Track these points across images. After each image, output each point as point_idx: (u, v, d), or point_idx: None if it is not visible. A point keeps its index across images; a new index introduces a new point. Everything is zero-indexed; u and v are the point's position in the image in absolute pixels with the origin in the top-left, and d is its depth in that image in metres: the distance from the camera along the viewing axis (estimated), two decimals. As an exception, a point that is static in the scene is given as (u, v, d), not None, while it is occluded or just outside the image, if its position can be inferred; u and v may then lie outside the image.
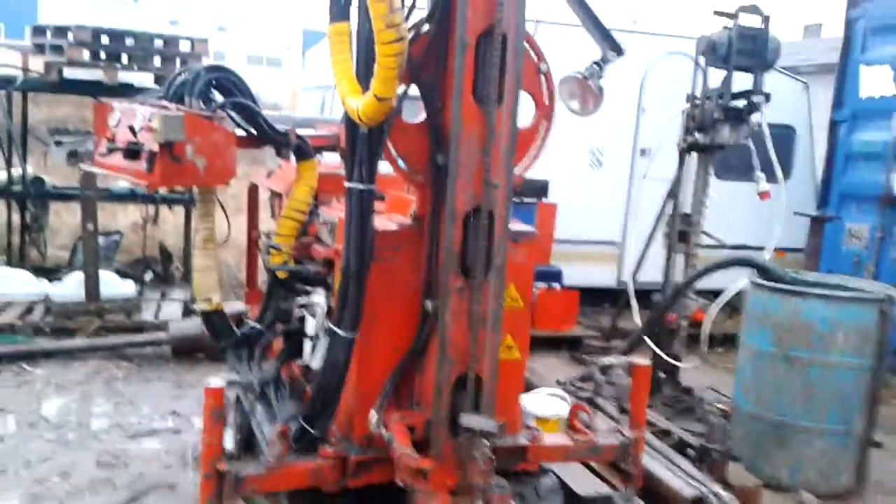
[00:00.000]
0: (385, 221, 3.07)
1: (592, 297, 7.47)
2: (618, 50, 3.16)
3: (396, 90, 2.64)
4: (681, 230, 5.17)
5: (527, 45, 2.95)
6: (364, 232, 2.82)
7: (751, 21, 4.89)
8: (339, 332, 2.87)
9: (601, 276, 7.50)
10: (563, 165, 7.13)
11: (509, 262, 2.82)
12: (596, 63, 3.24)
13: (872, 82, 6.45)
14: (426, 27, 2.81)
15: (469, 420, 2.67)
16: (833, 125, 7.01)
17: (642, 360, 3.33)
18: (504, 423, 2.68)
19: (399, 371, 2.98)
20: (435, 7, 2.78)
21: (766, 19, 4.80)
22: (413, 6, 2.80)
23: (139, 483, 3.89)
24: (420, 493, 2.75)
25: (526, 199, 6.41)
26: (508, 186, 2.79)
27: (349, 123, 2.80)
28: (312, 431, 3.01)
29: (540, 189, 6.44)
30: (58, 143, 7.47)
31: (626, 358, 3.34)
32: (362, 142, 2.78)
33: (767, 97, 5.15)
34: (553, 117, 3.14)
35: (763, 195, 5.07)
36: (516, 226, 3.18)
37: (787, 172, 8.18)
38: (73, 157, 8.38)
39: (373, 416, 2.91)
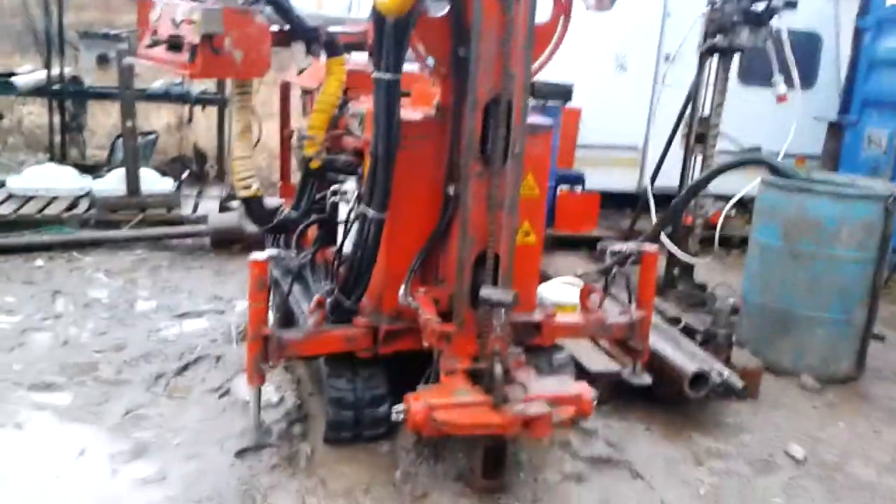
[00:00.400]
0: (411, 112, 3.28)
1: (615, 202, 7.65)
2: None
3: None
4: (699, 133, 5.30)
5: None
6: (391, 118, 3.04)
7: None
8: (370, 212, 3.13)
9: (623, 180, 7.65)
10: (588, 69, 7.20)
11: (527, 153, 3.03)
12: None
13: (901, -12, 6.41)
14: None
15: (487, 292, 2.94)
16: (858, 32, 6.97)
17: (650, 247, 3.57)
18: (517, 293, 2.93)
19: (425, 250, 3.26)
20: None
21: (788, -78, 4.81)
22: None
23: (188, 354, 4.26)
24: (444, 357, 3.05)
25: (550, 103, 6.52)
26: (527, 78, 2.98)
27: (376, 16, 2.99)
28: (347, 303, 3.32)
29: (564, 93, 6.54)
30: (101, 61, 7.65)
31: (636, 245, 3.56)
32: (389, 34, 2.98)
33: (794, 4, 5.17)
34: (571, 13, 3.29)
35: (780, 98, 5.17)
36: (535, 118, 3.39)
37: (812, 79, 8.20)
38: (104, 60, 8.59)
39: (402, 289, 3.21)
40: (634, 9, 7.27)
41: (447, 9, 3.10)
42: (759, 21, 4.99)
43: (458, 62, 3.09)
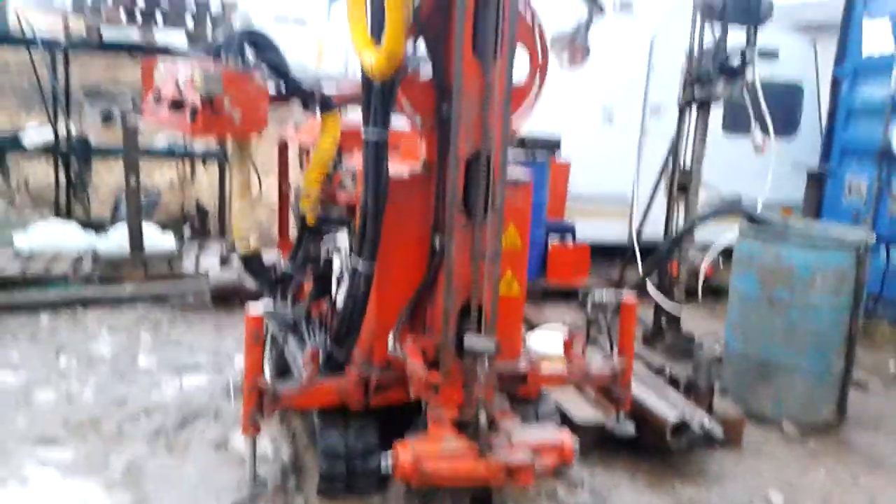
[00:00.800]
0: (399, 168, 3.46)
1: (606, 252, 7.80)
2: (600, 9, 3.47)
3: (405, 45, 3.00)
4: (681, 183, 5.49)
5: (524, 7, 3.31)
6: (379, 174, 3.21)
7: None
8: (360, 265, 3.29)
9: (613, 231, 7.81)
10: (576, 122, 7.44)
11: (508, 206, 3.19)
12: (582, 22, 3.55)
13: (874, 38, 6.63)
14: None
15: (471, 341, 3.07)
16: (835, 81, 7.22)
17: (629, 297, 3.71)
18: (500, 342, 3.06)
19: (413, 301, 3.40)
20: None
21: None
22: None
23: (187, 409, 4.36)
24: (432, 407, 3.17)
25: (539, 156, 6.73)
26: (505, 135, 3.16)
27: (365, 79, 3.19)
28: (338, 354, 3.45)
29: (552, 145, 6.76)
30: (106, 118, 7.90)
31: (615, 295, 3.70)
32: (376, 94, 3.17)
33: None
34: (547, 72, 3.48)
35: (759, 149, 5.36)
36: (516, 172, 3.56)
37: (794, 128, 8.46)
38: (108, 118, 8.86)
39: (390, 340, 3.34)
40: (621, 62, 7.56)
41: (430, 70, 3.30)
42: (733, 73, 5.20)
43: (441, 120, 3.27)
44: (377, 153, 3.20)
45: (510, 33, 3.06)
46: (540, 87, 3.50)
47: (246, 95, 3.57)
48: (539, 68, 3.46)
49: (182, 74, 3.72)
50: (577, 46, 3.64)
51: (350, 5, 3.14)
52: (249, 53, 3.78)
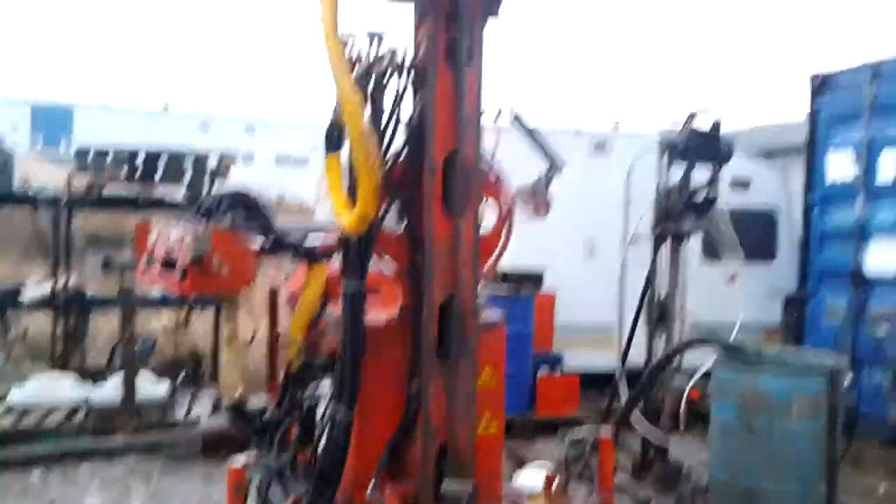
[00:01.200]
0: (377, 315, 3.61)
1: (595, 381, 7.85)
2: (559, 165, 3.74)
3: (377, 207, 3.23)
4: (659, 313, 5.64)
5: (488, 164, 3.58)
6: (356, 324, 3.36)
7: (707, 120, 5.51)
8: (339, 412, 3.38)
9: (601, 360, 7.87)
10: (560, 255, 7.70)
11: (483, 347, 3.34)
12: (543, 176, 3.81)
13: (837, 168, 6.99)
14: (404, 152, 3.44)
15: (448, 486, 3.13)
16: (807, 207, 7.52)
17: (605, 434, 3.78)
18: (477, 484, 3.11)
19: (391, 445, 3.46)
20: (409, 138, 3.41)
21: (716, 124, 5.42)
22: (392, 138, 3.44)
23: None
24: (413, 554, 3.18)
25: (523, 290, 6.93)
26: (476, 281, 3.34)
27: (343, 235, 3.40)
28: (320, 502, 3.48)
29: (536, 279, 6.96)
30: (106, 265, 8.16)
31: (593, 431, 3.78)
32: (353, 247, 3.37)
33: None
34: (513, 221, 3.71)
35: (731, 278, 5.55)
36: (488, 315, 3.72)
37: (772, 253, 8.70)
38: (108, 265, 9.12)
39: (370, 486, 3.38)
40: (599, 197, 7.90)
41: (404, 224, 3.52)
42: (701, 208, 5.46)
43: (415, 269, 3.46)
44: (354, 304, 3.37)
45: (476, 190, 3.31)
46: (507, 235, 3.73)
47: (234, 254, 3.78)
48: (505, 219, 3.69)
49: (174, 235, 3.95)
50: (539, 199, 3.88)
51: (328, 170, 3.40)
52: (238, 214, 4.02)
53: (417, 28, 3.39)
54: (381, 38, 3.38)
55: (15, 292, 8.35)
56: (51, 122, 22.28)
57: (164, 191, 8.17)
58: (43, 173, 9.22)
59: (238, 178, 9.30)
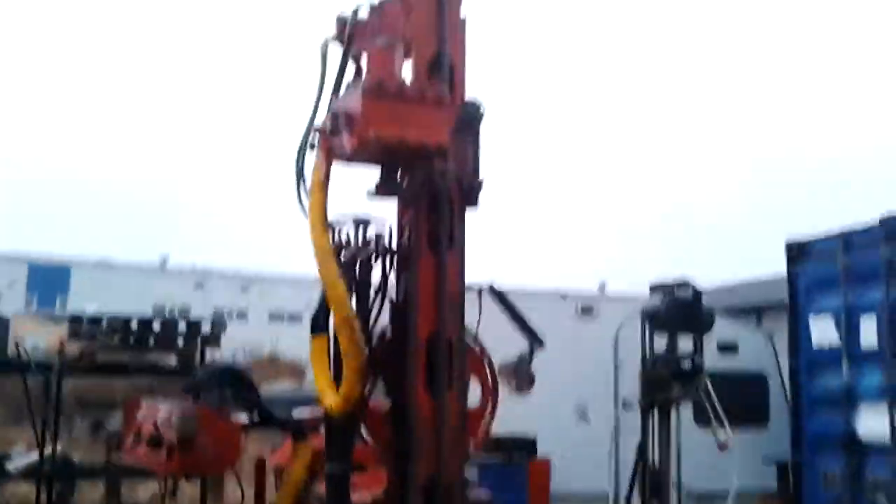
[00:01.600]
0: (362, 496, 3.58)
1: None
2: (539, 343, 3.85)
3: (361, 389, 3.30)
4: (653, 483, 5.57)
5: (473, 341, 3.68)
6: (339, 505, 3.34)
7: (686, 291, 5.66)
8: None
9: (600, 531, 7.70)
10: (551, 420, 7.64)
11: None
12: (525, 353, 3.91)
13: (821, 333, 7.09)
14: (388, 330, 3.54)
15: None
16: (793, 372, 7.55)
17: None
18: None
19: None
20: (393, 317, 3.53)
21: (697, 294, 5.58)
22: (378, 316, 3.56)
23: None
24: None
25: (515, 458, 6.81)
26: (463, 461, 3.36)
27: (327, 416, 3.44)
28: None
29: (528, 445, 6.87)
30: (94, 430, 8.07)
31: None
32: (337, 432, 3.40)
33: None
34: (498, 396, 3.76)
35: (721, 446, 5.52)
36: (477, 494, 3.70)
37: (764, 418, 8.65)
38: (97, 429, 9.00)
39: None
40: (589, 361, 7.96)
41: (390, 403, 3.57)
42: (688, 377, 5.51)
43: (401, 448, 3.47)
44: (337, 486, 3.37)
45: (460, 368, 3.40)
46: (493, 409, 3.77)
47: (220, 434, 3.82)
48: (490, 394, 3.75)
49: (161, 414, 3.99)
50: (521, 378, 3.95)
51: (313, 352, 3.50)
52: (226, 391, 4.09)
53: (402, 213, 3.59)
54: (366, 224, 3.58)
55: (1, 461, 8.19)
56: (47, 282, 22.50)
57: (156, 357, 8.21)
58: (36, 332, 9.24)
59: (231, 335, 9.35)
